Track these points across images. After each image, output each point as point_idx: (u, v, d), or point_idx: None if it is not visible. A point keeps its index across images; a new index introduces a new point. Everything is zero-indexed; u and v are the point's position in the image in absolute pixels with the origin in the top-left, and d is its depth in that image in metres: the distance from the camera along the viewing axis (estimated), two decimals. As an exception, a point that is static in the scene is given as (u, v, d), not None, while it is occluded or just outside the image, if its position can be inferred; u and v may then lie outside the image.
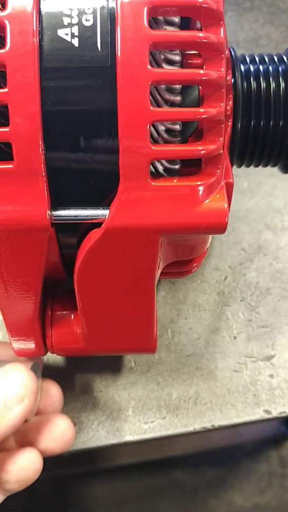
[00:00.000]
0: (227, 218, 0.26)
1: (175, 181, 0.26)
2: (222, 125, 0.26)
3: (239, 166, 0.34)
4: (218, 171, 0.27)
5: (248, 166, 0.34)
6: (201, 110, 0.25)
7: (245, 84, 0.31)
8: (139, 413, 0.42)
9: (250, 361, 0.44)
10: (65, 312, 0.35)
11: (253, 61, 0.32)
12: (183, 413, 0.43)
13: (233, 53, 0.31)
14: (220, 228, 0.27)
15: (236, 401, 0.43)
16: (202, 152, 0.26)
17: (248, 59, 0.32)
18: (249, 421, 0.42)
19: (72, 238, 0.30)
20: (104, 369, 0.43)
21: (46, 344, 0.35)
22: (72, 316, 0.35)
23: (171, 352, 0.44)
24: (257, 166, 0.34)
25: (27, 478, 0.35)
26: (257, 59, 0.32)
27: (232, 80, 0.30)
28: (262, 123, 0.30)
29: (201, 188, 0.26)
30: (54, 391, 0.39)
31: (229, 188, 0.28)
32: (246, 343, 0.44)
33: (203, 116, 0.25)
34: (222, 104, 0.25)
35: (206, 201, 0.26)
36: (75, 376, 0.43)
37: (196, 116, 0.25)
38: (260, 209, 0.48)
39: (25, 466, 0.35)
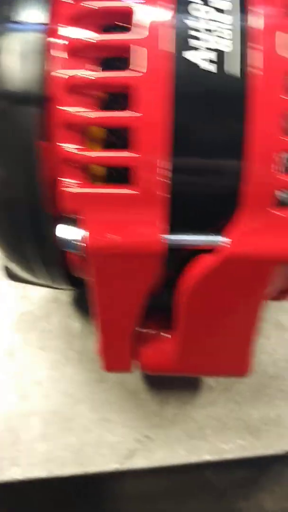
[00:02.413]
0: None
1: (298, 210, 0.26)
2: None
3: None
4: None
5: None
6: None
7: None
8: (218, 433, 0.42)
9: None
10: (157, 331, 0.35)
11: None
12: (263, 435, 0.42)
13: None
14: None
15: None
16: None
17: None
18: None
19: (175, 261, 0.30)
20: (182, 386, 0.43)
21: (136, 361, 0.35)
22: (166, 335, 0.35)
23: (253, 372, 0.43)
24: None
25: None
26: None
27: None
28: None
29: None
30: None
31: None
32: None
33: None
34: None
35: None
36: (152, 392, 0.43)
37: None
38: None
39: None
